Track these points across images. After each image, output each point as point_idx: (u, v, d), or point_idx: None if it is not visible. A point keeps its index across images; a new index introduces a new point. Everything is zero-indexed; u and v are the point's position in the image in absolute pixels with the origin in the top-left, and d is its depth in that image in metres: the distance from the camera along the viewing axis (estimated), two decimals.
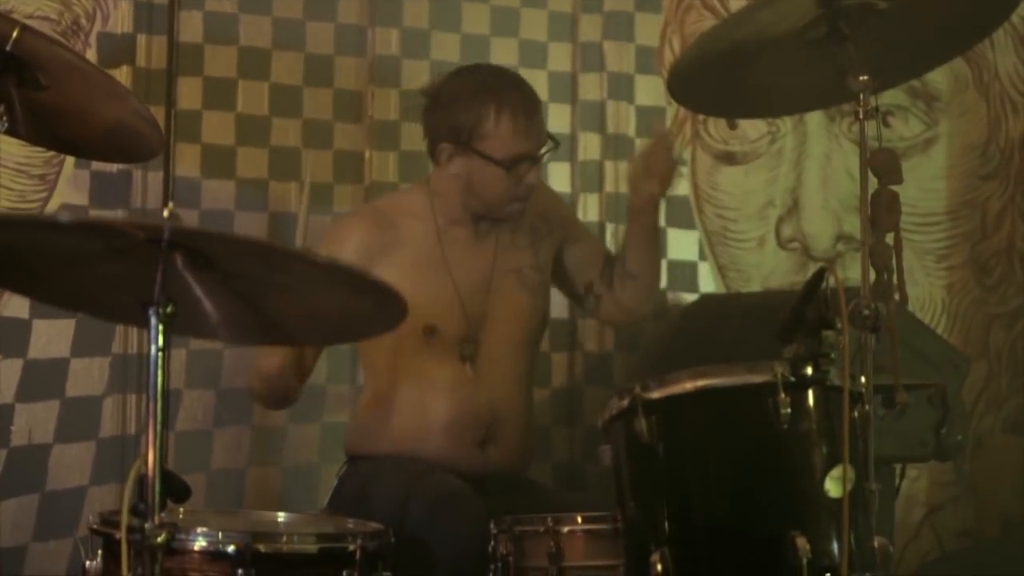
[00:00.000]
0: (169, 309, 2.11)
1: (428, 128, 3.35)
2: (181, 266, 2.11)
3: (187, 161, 3.81)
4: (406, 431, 3.30)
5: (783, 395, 2.43)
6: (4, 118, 2.62)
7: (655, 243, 3.53)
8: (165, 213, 2.17)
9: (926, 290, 4.44)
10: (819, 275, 2.40)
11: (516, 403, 3.36)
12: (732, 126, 4.23)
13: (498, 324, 3.34)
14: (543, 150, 3.33)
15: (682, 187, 4.25)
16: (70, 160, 3.68)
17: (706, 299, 4.21)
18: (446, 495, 3.04)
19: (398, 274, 3.03)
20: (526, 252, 3.43)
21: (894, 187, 2.65)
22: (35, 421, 3.66)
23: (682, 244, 4.25)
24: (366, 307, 2.26)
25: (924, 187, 4.43)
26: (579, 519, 2.75)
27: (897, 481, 3.71)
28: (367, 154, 4.00)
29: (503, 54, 4.12)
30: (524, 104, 3.29)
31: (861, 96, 2.68)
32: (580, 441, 4.08)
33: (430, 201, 3.37)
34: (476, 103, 3.25)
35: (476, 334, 3.32)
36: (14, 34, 2.57)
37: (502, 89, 3.28)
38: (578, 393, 4.13)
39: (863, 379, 2.52)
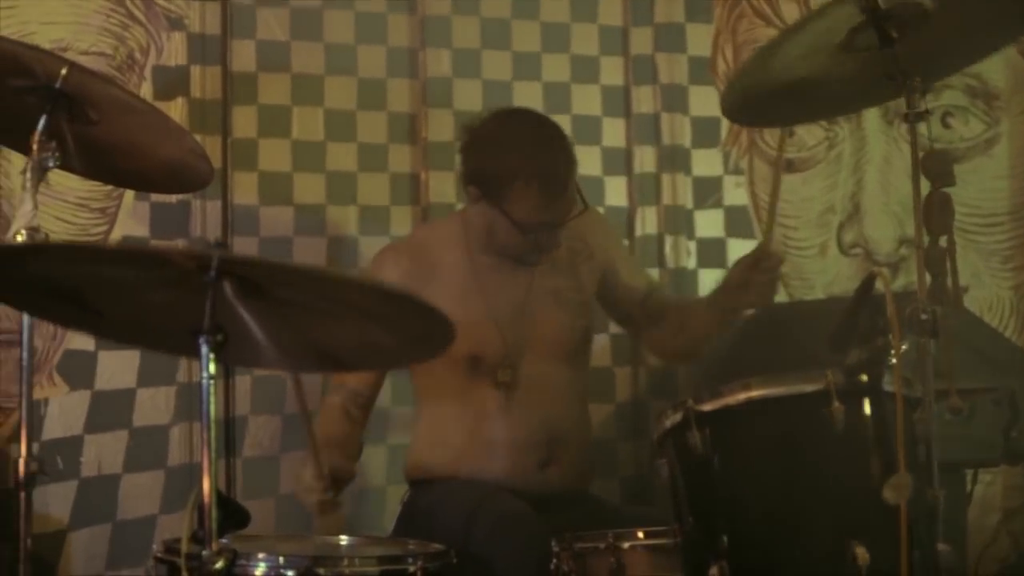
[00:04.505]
0: (219, 337, 2.13)
1: (462, 165, 3.35)
2: (230, 294, 2.13)
3: (244, 189, 3.84)
4: (462, 455, 3.30)
5: (837, 403, 2.41)
6: (56, 154, 2.66)
7: (723, 326, 3.44)
8: (212, 240, 2.19)
9: (993, 292, 4.39)
10: (869, 281, 2.38)
11: (571, 422, 3.35)
12: (789, 134, 4.20)
13: (537, 346, 3.33)
14: (570, 216, 3.29)
15: (740, 197, 4.23)
16: (129, 193, 3.72)
17: (769, 308, 4.17)
18: (507, 516, 3.04)
19: (435, 303, 3.03)
20: (564, 274, 3.40)
21: (948, 189, 2.62)
22: (104, 452, 3.70)
23: (742, 254, 4.21)
24: (412, 332, 2.27)
25: (986, 188, 4.38)
26: (640, 534, 2.74)
27: (969, 486, 3.67)
28: (423, 175, 4.01)
29: (555, 70, 4.13)
30: (557, 174, 3.24)
31: (911, 99, 2.64)
32: (646, 455, 4.06)
33: (465, 230, 3.37)
34: (509, 162, 3.23)
35: (516, 358, 3.31)
36: (63, 72, 2.61)
37: (537, 155, 3.23)
38: (643, 407, 4.11)
39: (922, 384, 2.48)
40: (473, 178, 3.30)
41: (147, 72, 3.79)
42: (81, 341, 3.65)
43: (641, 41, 4.20)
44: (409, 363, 3.14)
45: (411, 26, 4.04)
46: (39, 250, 2.31)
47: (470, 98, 4.00)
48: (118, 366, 3.70)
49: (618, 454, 4.07)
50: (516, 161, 3.22)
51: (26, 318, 2.69)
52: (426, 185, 4.01)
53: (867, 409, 2.46)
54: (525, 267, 3.35)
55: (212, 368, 2.14)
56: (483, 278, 3.34)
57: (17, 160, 3.56)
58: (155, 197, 3.74)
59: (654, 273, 4.05)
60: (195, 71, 3.82)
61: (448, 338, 2.21)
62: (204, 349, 2.14)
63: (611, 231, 3.71)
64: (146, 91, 3.70)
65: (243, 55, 3.88)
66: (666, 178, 4.18)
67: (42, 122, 2.64)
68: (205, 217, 3.77)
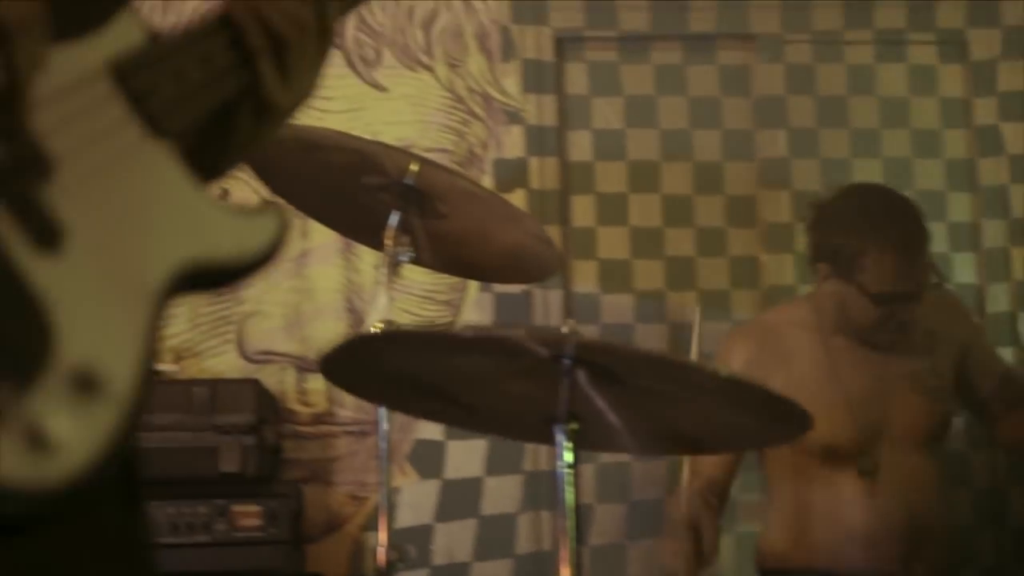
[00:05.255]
0: (574, 426, 2.13)
1: (810, 243, 3.28)
2: (585, 382, 2.13)
3: (585, 277, 3.87)
4: (819, 546, 3.20)
5: None
6: (408, 248, 2.73)
7: None
8: (564, 329, 2.20)
9: None
10: None
11: (933, 511, 3.20)
12: None
13: (895, 432, 3.21)
14: (925, 288, 3.18)
15: None
16: (473, 284, 3.80)
17: None
18: None
19: (787, 389, 2.96)
20: (922, 356, 3.27)
21: None
22: (454, 540, 3.75)
23: None
24: (766, 419, 2.23)
25: None
26: None
27: None
28: (762, 258, 3.96)
29: (895, 145, 4.03)
30: (910, 242, 3.15)
31: None
32: (1008, 545, 3.87)
33: (815, 313, 3.29)
34: (860, 234, 3.14)
35: (872, 445, 3.20)
36: (414, 168, 2.68)
37: (890, 224, 3.15)
38: (1002, 493, 3.92)
39: None
40: (823, 254, 3.23)
41: (487, 165, 3.87)
42: (431, 431, 3.72)
43: (985, 111, 4.06)
44: (765, 445, 3.08)
45: (745, 108, 4.02)
46: (399, 339, 2.36)
47: (808, 178, 3.94)
48: (466, 455, 3.76)
49: (976, 543, 3.88)
50: (869, 232, 3.14)
51: (382, 409, 2.76)
52: (766, 268, 3.95)
53: None
54: (879, 350, 3.24)
55: (568, 456, 2.14)
56: (836, 362, 3.25)
57: (366, 255, 3.70)
58: (498, 288, 3.80)
59: (1006, 353, 3.87)
60: (533, 162, 3.88)
61: (805, 427, 2.16)
62: (560, 438, 2.15)
63: (965, 310, 3.57)
64: (486, 184, 3.78)
65: (579, 145, 3.93)
66: (1017, 252, 4.01)
67: (394, 217, 2.72)
68: (547, 306, 3.81)
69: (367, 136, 3.40)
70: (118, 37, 1.32)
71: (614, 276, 3.90)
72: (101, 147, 1.26)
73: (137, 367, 1.18)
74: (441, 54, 3.88)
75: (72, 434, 1.11)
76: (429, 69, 3.87)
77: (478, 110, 3.88)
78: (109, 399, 1.14)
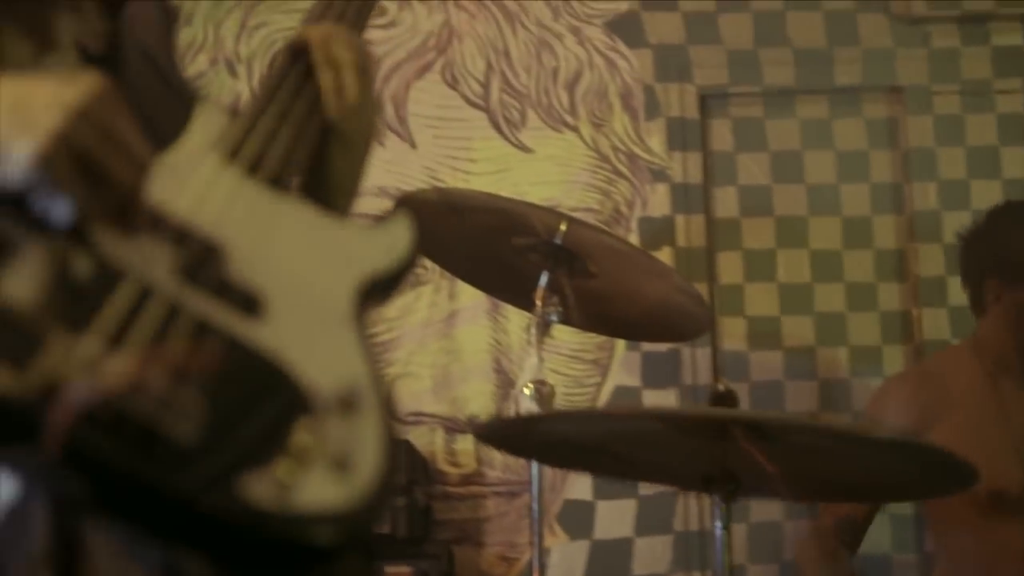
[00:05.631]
0: (731, 487, 2.12)
1: (970, 268, 3.20)
2: (741, 441, 2.12)
3: (732, 335, 3.84)
4: None
5: None
6: (558, 308, 2.73)
7: None
8: (720, 388, 2.19)
9: None
10: None
11: None
12: None
13: None
14: None
15: None
16: (620, 343, 3.79)
17: None
18: None
19: (952, 436, 2.90)
20: None
21: None
22: None
23: None
24: (927, 471, 2.19)
25: None
26: None
27: None
28: (914, 312, 3.89)
29: None
30: None
31: None
32: None
33: (978, 355, 3.20)
34: None
35: None
36: (562, 228, 2.68)
37: None
38: None
39: None
40: (991, 270, 3.14)
41: (633, 224, 3.87)
42: (580, 491, 3.71)
43: None
44: (928, 497, 3.02)
45: (894, 161, 3.97)
46: (558, 418, 2.40)
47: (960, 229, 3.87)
48: (616, 515, 3.73)
49: None
50: None
51: (535, 468, 2.76)
52: (918, 322, 3.88)
53: None
54: None
55: (724, 519, 2.13)
56: (1004, 404, 3.16)
57: (513, 315, 3.71)
58: (645, 346, 3.79)
59: None
60: (679, 220, 3.87)
61: (970, 481, 2.12)
62: (717, 499, 2.14)
63: None
64: (633, 243, 3.77)
65: (726, 202, 3.91)
66: None
67: (545, 277, 2.72)
68: (695, 364, 3.78)
69: (513, 197, 3.43)
70: (208, 125, 1.50)
71: (762, 333, 3.87)
72: (247, 217, 1.41)
73: (372, 371, 1.30)
74: (585, 114, 3.89)
75: (360, 446, 1.21)
76: (574, 129, 3.89)
77: (623, 168, 3.88)
78: (369, 405, 1.25)
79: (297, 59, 1.63)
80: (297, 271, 1.39)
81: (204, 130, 1.49)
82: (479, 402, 3.75)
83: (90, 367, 1.12)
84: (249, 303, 1.30)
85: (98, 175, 1.26)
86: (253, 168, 1.46)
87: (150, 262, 1.27)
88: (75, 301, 1.18)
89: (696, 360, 3.79)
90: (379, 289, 1.45)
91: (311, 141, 1.60)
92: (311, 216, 1.49)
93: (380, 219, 1.52)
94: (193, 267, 1.29)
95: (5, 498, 1.17)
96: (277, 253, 1.39)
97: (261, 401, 1.21)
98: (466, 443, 3.73)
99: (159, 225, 1.31)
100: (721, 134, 3.96)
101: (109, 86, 1.29)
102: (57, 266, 1.20)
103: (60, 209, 1.24)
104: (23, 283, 1.16)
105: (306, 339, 1.30)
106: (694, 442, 2.12)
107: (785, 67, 3.95)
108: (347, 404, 1.23)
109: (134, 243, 1.27)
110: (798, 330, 3.88)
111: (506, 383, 3.74)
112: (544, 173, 3.87)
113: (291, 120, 1.56)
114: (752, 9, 3.96)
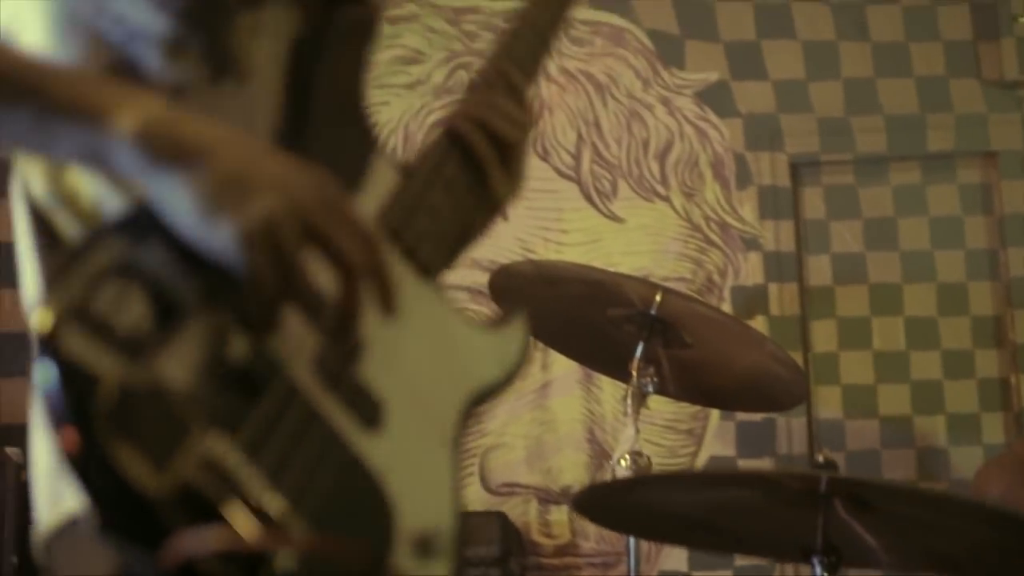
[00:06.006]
0: (832, 559, 2.10)
1: None
2: (840, 510, 2.10)
3: (828, 403, 3.81)
4: None
5: None
6: (654, 379, 2.73)
7: None
8: (820, 458, 2.17)
9: None
10: None
11: None
12: None
13: None
14: None
15: None
16: (715, 413, 3.77)
17: None
18: None
19: None
20: None
21: None
22: None
23: None
24: None
25: None
26: None
27: None
28: (1012, 379, 3.84)
29: None
30: None
31: None
32: None
33: None
34: None
35: None
36: (657, 298, 2.69)
37: None
38: None
39: None
40: None
41: (726, 293, 3.86)
42: (675, 562, 3.69)
43: None
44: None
45: (989, 227, 3.93)
46: (653, 482, 2.38)
47: None
48: None
49: None
50: None
51: (631, 540, 2.75)
52: (1017, 390, 3.82)
53: None
54: None
55: None
56: None
57: (606, 385, 3.71)
58: (740, 416, 3.77)
59: None
60: (772, 288, 3.85)
61: None
62: (818, 571, 2.12)
63: None
64: (725, 311, 3.76)
65: (818, 270, 3.90)
66: None
67: (640, 348, 2.72)
68: (791, 434, 3.75)
69: (605, 267, 3.44)
70: (380, 184, 1.36)
71: (858, 402, 3.83)
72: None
73: (456, 516, 1.24)
74: (677, 183, 3.90)
75: None
76: (665, 199, 3.90)
77: (715, 237, 3.88)
78: (443, 553, 1.20)
79: (457, 140, 1.46)
80: (419, 382, 1.29)
81: (377, 192, 1.35)
82: (573, 473, 3.74)
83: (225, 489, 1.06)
84: (372, 414, 1.22)
85: (295, 274, 1.14)
86: (410, 253, 1.34)
87: (298, 350, 1.17)
88: (224, 387, 1.12)
89: (791, 429, 3.76)
90: (483, 399, 1.37)
91: (468, 218, 1.46)
92: (443, 315, 1.37)
93: (498, 323, 1.42)
94: (335, 366, 1.20)
95: None
96: (406, 357, 1.28)
97: (361, 534, 1.16)
98: (560, 514, 3.72)
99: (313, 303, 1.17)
100: (813, 202, 3.95)
101: (334, 191, 1.17)
102: (217, 346, 1.12)
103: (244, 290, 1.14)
104: (183, 361, 1.10)
105: (412, 464, 1.23)
106: (792, 511, 2.10)
107: (877, 134, 3.94)
108: (425, 548, 1.18)
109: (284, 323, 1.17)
110: (894, 398, 3.84)
111: (599, 453, 3.73)
112: (635, 243, 3.87)
113: (453, 200, 1.42)
114: (843, 76, 3.96)
